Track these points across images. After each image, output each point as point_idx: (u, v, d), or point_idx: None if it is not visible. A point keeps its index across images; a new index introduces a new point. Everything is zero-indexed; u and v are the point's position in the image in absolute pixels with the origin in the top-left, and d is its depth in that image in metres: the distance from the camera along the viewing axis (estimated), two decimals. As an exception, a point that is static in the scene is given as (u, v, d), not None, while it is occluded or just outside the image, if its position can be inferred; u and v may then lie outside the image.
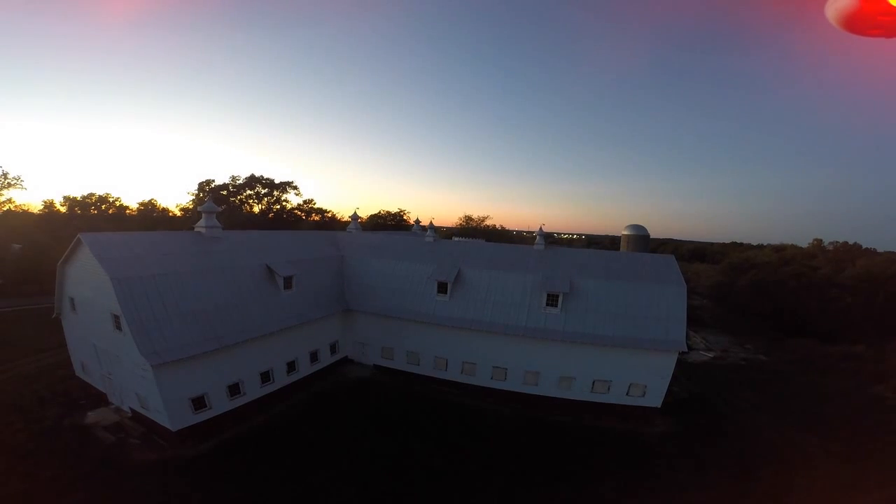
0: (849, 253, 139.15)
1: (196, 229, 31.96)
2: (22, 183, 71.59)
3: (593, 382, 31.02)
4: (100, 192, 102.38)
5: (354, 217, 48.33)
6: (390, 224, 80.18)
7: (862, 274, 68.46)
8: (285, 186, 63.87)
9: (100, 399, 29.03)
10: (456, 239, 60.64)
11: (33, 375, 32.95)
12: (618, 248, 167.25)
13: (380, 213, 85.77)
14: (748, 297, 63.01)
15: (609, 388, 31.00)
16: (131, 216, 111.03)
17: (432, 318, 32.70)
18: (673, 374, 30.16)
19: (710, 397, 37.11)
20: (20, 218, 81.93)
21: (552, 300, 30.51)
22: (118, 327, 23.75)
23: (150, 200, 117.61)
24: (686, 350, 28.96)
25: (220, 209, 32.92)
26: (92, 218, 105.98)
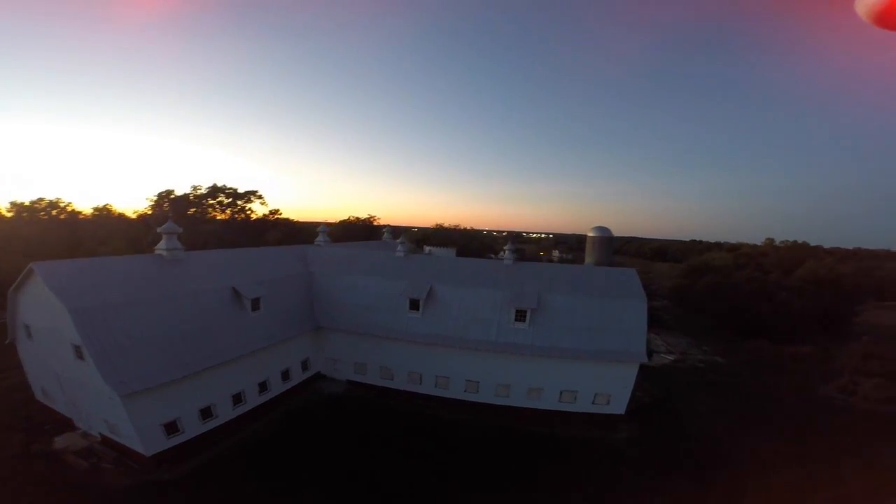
0: (798, 251, 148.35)
1: (156, 251, 31.38)
2: None
3: (561, 393, 32.79)
4: (50, 196, 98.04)
5: (323, 229, 48.36)
6: (360, 230, 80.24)
7: (808, 276, 73.71)
8: (249, 196, 62.83)
9: (65, 424, 28.54)
10: (427, 249, 61.56)
11: (-12, 401, 31.98)
12: (584, 247, 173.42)
13: (349, 219, 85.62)
14: (706, 300, 66.79)
15: (576, 398, 32.82)
16: (84, 221, 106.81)
17: (405, 335, 33.66)
18: (636, 380, 32.31)
19: (670, 401, 39.55)
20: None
21: (520, 316, 32.07)
22: (80, 357, 23.47)
23: (104, 206, 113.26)
24: (647, 361, 30.96)
25: (180, 230, 32.14)
26: (42, 223, 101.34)
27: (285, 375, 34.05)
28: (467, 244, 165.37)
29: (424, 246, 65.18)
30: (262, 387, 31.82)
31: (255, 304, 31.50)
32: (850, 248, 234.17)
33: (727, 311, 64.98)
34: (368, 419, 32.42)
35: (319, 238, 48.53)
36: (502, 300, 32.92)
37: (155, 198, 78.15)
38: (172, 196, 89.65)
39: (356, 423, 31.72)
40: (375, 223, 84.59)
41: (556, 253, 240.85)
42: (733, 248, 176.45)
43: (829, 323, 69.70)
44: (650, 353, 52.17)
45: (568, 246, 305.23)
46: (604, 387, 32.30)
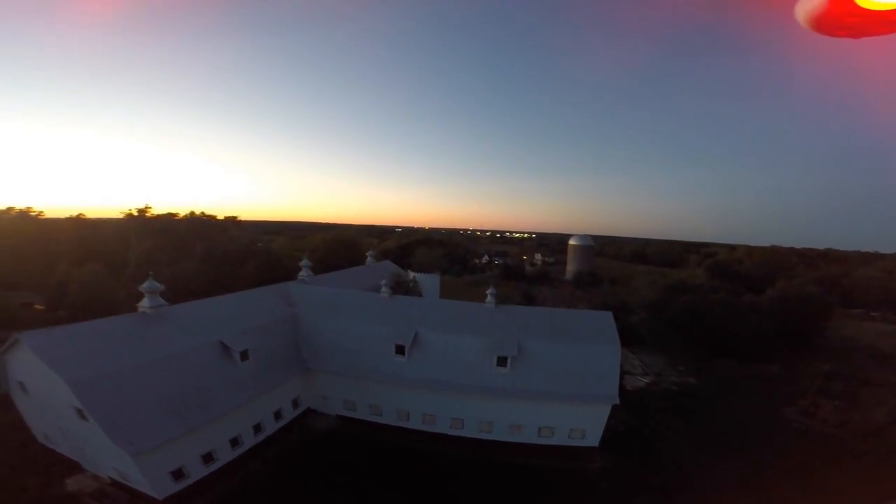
0: (772, 256, 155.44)
1: (140, 309, 33.31)
2: None
3: (539, 429, 36.29)
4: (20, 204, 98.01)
5: (305, 264, 50.80)
6: (342, 253, 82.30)
7: (780, 297, 78.89)
8: (227, 227, 63.66)
9: (71, 465, 30.65)
10: (412, 275, 64.00)
11: (-15, 441, 33.82)
12: (566, 250, 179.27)
13: (333, 238, 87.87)
14: (682, 318, 71.18)
15: (553, 433, 36.38)
16: (58, 235, 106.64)
17: (391, 378, 36.62)
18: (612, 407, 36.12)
19: (642, 429, 43.47)
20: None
21: (502, 361, 35.39)
22: (83, 418, 25.32)
23: (78, 214, 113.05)
24: (618, 402, 34.64)
25: (161, 287, 33.92)
26: (13, 237, 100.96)
27: (277, 415, 36.66)
28: (451, 251, 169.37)
29: (409, 271, 67.89)
30: (257, 428, 34.38)
31: (244, 355, 33.79)
32: (822, 248, 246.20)
33: (701, 331, 69.52)
34: (358, 455, 35.57)
35: (303, 273, 50.78)
36: (484, 347, 36.11)
37: (133, 211, 78.96)
38: (149, 212, 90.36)
39: (346, 459, 34.88)
40: (358, 244, 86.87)
41: (538, 256, 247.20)
42: (709, 255, 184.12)
43: (797, 340, 75.17)
44: (620, 391, 56.37)
45: (550, 248, 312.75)
46: (579, 423, 35.92)
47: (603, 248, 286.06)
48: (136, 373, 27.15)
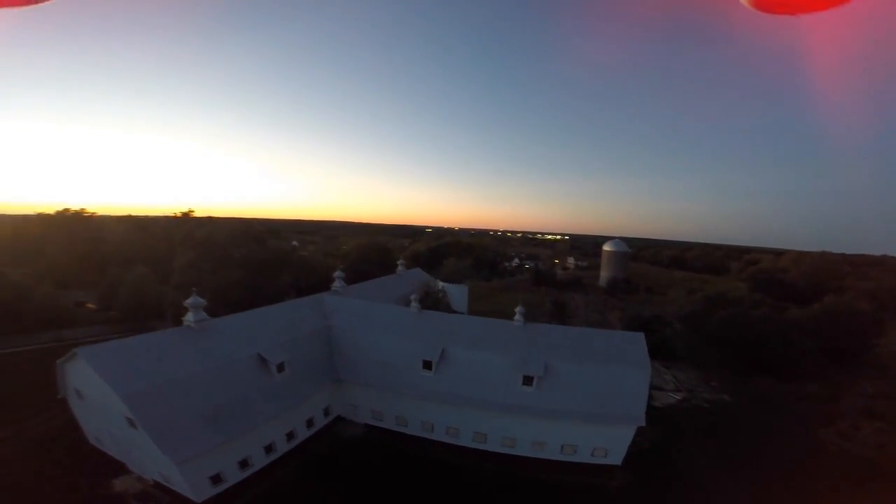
0: (821, 264, 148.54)
1: (185, 323, 35.80)
2: None
3: (562, 446, 36.83)
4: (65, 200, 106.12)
5: (339, 275, 53.02)
6: (374, 258, 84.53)
7: (827, 313, 75.68)
8: (264, 237, 66.39)
9: (118, 466, 33.45)
10: (441, 285, 65.08)
11: (46, 440, 37.11)
12: (599, 252, 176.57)
13: (366, 244, 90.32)
14: (719, 332, 69.53)
15: (576, 451, 36.86)
16: (108, 236, 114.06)
17: (417, 392, 37.99)
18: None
19: (667, 447, 43.29)
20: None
21: (527, 381, 36.12)
22: (133, 427, 27.69)
23: (127, 215, 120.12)
24: (643, 424, 34.79)
25: (204, 303, 36.40)
26: (66, 237, 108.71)
27: (309, 423, 38.66)
28: (480, 255, 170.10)
29: (438, 281, 69.11)
30: (290, 436, 36.45)
31: (280, 367, 36.03)
32: (878, 255, 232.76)
33: (739, 347, 67.70)
34: (384, 463, 37.25)
35: (336, 283, 52.99)
36: (511, 366, 36.96)
37: (179, 213, 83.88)
38: (192, 215, 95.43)
39: (373, 467, 36.61)
40: (389, 249, 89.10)
41: (570, 261, 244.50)
42: (753, 262, 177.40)
43: (843, 357, 72.10)
44: (656, 392, 55.93)
45: (583, 252, 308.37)
46: (602, 442, 36.26)
47: (639, 252, 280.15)
48: (182, 385, 29.52)
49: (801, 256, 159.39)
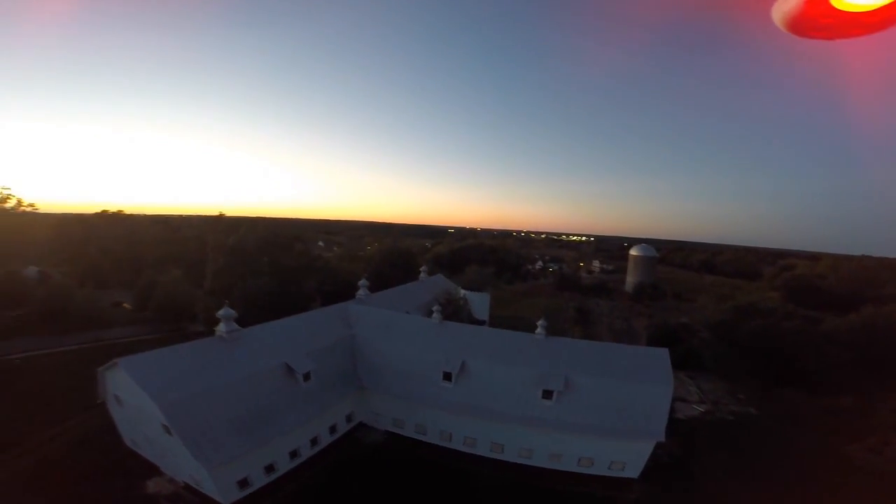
0: (859, 271, 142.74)
1: (217, 334, 37.81)
2: None
3: (579, 459, 37.37)
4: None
5: (363, 283, 54.87)
6: (397, 262, 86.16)
7: (864, 325, 72.73)
8: (292, 244, 68.23)
9: (152, 468, 35.61)
10: (462, 293, 65.94)
11: (85, 441, 39.71)
12: (626, 254, 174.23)
13: (388, 248, 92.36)
14: (750, 342, 68.26)
15: (593, 464, 37.33)
16: (146, 229, 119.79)
17: (437, 403, 39.14)
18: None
19: (687, 460, 43.17)
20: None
21: (547, 395, 36.83)
22: (169, 433, 29.64)
23: (162, 215, 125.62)
24: (663, 440, 34.98)
25: (235, 314, 38.47)
26: (107, 238, 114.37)
27: (333, 429, 40.34)
28: (504, 258, 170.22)
29: (460, 289, 69.98)
30: (314, 441, 38.12)
31: (307, 376, 37.72)
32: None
33: (769, 359, 66.29)
34: (403, 469, 38.57)
35: (360, 291, 54.79)
36: (531, 379, 37.77)
37: (214, 214, 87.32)
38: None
39: (392, 473, 37.99)
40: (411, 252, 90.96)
41: (596, 264, 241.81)
42: (787, 267, 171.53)
43: (880, 371, 69.55)
44: (679, 403, 55.53)
45: (609, 254, 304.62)
46: (620, 456, 36.63)
47: (668, 255, 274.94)
48: (215, 395, 31.45)
49: (838, 262, 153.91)
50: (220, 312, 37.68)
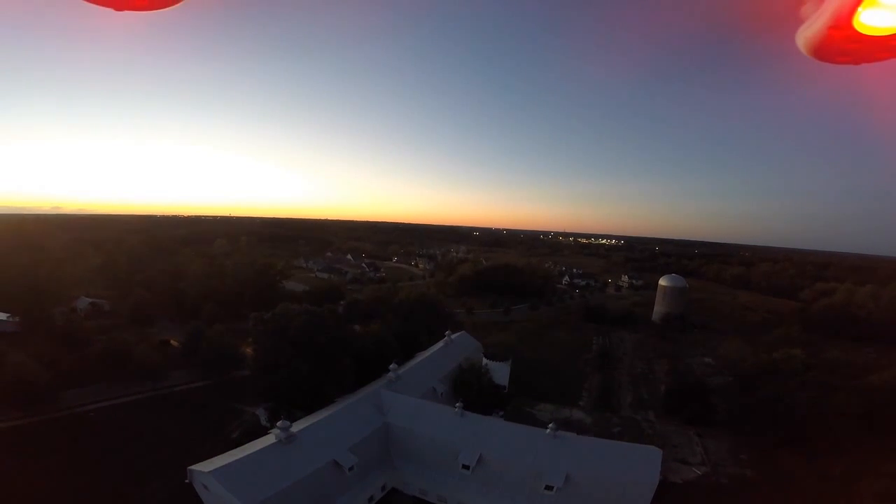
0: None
1: (275, 438, 47.39)
2: None
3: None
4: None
5: (393, 367, 66.73)
6: (422, 310, 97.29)
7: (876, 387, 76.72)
8: (330, 325, 76.70)
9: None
10: (485, 362, 76.81)
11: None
12: (657, 258, 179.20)
13: (416, 298, 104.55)
14: (762, 406, 74.44)
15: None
16: (190, 265, 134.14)
17: (455, 489, 50.41)
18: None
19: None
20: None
21: (549, 487, 46.85)
22: None
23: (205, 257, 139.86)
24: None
25: (290, 424, 48.79)
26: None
27: (370, 499, 51.28)
28: (527, 282, 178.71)
29: (483, 357, 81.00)
30: (357, 513, 49.30)
31: (352, 468, 48.53)
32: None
33: (776, 420, 71.81)
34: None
35: (392, 365, 66.42)
36: (536, 474, 47.97)
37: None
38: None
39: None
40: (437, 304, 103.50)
41: (624, 279, 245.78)
42: (826, 292, 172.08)
43: (881, 434, 73.04)
44: (679, 465, 63.60)
45: (638, 264, 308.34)
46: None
47: (700, 267, 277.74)
48: (283, 492, 42.51)
49: (879, 290, 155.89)
50: (279, 424, 48.50)
